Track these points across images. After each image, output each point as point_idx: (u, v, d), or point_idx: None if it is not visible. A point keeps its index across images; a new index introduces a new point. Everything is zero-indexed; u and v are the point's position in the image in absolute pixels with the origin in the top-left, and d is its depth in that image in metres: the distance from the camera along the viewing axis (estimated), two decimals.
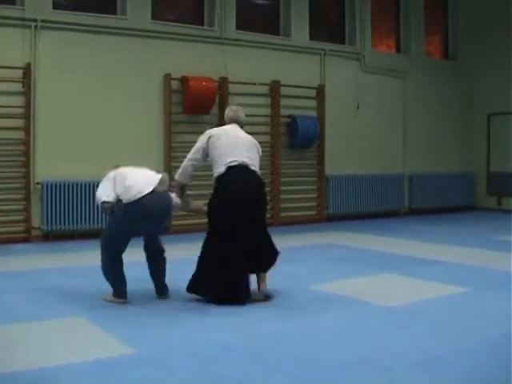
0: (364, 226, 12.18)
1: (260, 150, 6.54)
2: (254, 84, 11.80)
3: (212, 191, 6.31)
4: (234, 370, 4.21)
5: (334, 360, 4.40)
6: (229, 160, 6.17)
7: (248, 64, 11.86)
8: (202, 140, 6.37)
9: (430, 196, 14.55)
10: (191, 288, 6.17)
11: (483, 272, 7.63)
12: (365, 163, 13.65)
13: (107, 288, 6.13)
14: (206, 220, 6.35)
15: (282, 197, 12.36)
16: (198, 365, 4.31)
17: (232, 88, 11.56)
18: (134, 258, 6.72)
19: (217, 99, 11.23)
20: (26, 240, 9.92)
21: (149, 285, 5.82)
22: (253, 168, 6.29)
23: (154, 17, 11.18)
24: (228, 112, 6.65)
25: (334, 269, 7.63)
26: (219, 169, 6.20)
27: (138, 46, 10.92)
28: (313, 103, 12.87)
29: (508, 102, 14.46)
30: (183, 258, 7.08)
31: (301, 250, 9.38)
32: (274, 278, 6.51)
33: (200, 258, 6.21)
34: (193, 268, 6.17)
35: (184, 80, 11.12)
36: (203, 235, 6.29)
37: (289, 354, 4.55)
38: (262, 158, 6.59)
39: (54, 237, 10.14)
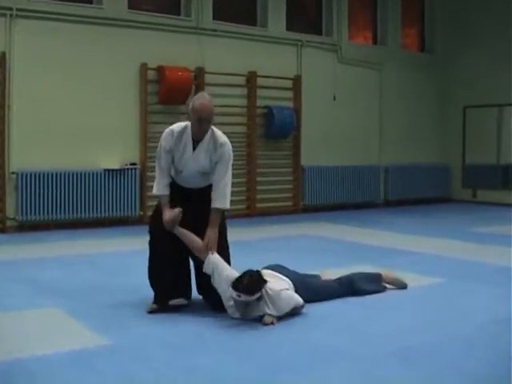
0: (340, 217, 12.22)
1: None
2: (231, 74, 11.78)
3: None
4: (209, 360, 4.21)
5: (308, 350, 4.42)
6: None
7: (224, 54, 11.84)
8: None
9: (406, 187, 14.64)
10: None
11: (459, 263, 7.68)
12: (341, 154, 13.69)
13: (84, 278, 6.06)
14: None
15: (258, 187, 12.37)
16: (173, 355, 4.32)
17: (208, 78, 11.53)
18: (117, 248, 6.71)
19: (193, 89, 11.17)
20: (1, 231, 9.83)
21: (126, 276, 5.76)
22: None
23: (131, 6, 11.10)
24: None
25: (309, 260, 7.62)
26: None
27: (115, 35, 10.84)
28: (289, 94, 12.88)
29: (483, 95, 14.58)
30: None
31: (276, 241, 9.40)
32: (246, 268, 6.50)
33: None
34: None
35: (160, 70, 11.07)
36: None
37: (263, 344, 4.57)
38: None
39: (29, 227, 10.06)
